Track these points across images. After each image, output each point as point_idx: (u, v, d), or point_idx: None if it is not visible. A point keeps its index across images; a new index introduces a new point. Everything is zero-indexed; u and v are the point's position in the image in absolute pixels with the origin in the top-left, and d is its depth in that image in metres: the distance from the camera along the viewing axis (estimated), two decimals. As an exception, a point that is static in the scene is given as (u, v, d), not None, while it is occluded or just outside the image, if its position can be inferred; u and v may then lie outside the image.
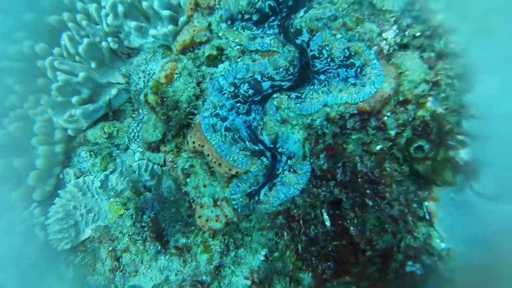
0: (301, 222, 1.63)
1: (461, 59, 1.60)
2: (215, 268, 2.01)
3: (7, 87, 3.38)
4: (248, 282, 1.97)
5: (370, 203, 1.51)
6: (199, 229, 1.95)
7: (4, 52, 3.46)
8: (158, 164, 2.92)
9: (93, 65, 2.95)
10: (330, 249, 1.60)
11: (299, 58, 1.62)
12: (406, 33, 1.57)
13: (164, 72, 1.73)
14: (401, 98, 1.55)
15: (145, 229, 2.46)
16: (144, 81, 2.88)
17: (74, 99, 2.86)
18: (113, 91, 3.01)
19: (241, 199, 1.67)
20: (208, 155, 1.62)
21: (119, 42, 2.99)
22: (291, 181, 1.59)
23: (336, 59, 1.53)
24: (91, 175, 3.12)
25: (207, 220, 1.75)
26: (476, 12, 1.61)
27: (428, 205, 1.68)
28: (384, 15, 1.55)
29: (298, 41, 1.67)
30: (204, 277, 2.13)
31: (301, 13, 1.65)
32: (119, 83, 3.08)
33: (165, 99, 1.70)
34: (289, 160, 1.60)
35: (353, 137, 1.60)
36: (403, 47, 1.59)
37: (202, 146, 1.63)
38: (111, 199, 2.61)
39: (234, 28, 1.74)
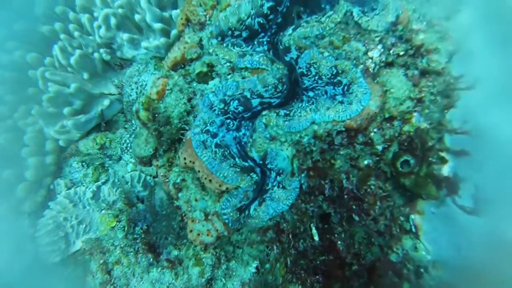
0: (290, 236, 1.65)
1: (442, 77, 1.66)
2: (206, 281, 2.02)
3: (-3, 97, 3.35)
4: (240, 295, 1.98)
5: (357, 218, 1.55)
6: (191, 242, 1.96)
7: (-5, 61, 3.43)
8: (150, 175, 2.92)
9: (85, 76, 2.96)
10: (318, 262, 1.62)
11: (288, 75, 1.66)
12: (391, 51, 1.63)
13: (156, 88, 1.75)
14: (387, 115, 1.60)
15: (137, 241, 2.45)
16: (136, 92, 2.89)
17: (66, 110, 2.86)
18: (106, 102, 3.01)
19: (231, 214, 1.69)
20: (199, 171, 1.64)
21: (111, 53, 3.00)
22: (280, 197, 1.62)
23: (323, 77, 1.57)
24: (83, 186, 3.10)
25: (198, 234, 1.76)
26: (455, 33, 1.68)
27: (414, 218, 1.72)
28: (369, 34, 1.60)
29: (287, 58, 1.71)
30: (196, 290, 2.14)
31: (290, 31, 1.69)
32: (111, 94, 3.08)
33: (156, 115, 1.72)
34: (278, 176, 1.63)
35: (341, 152, 1.64)
36: (388, 65, 1.64)
37: (193, 162, 1.65)
38: (103, 211, 2.60)
39: (224, 45, 1.77)
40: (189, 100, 1.77)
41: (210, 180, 1.62)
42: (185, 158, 1.68)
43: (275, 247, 1.72)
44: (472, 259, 1.62)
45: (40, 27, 3.44)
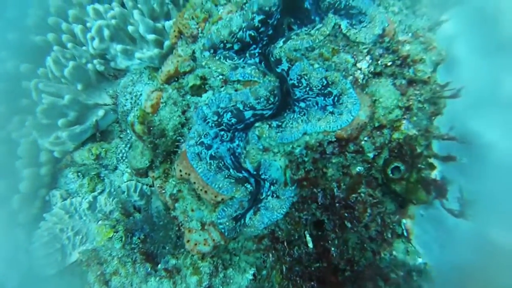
0: (285, 243, 1.69)
1: (429, 86, 1.71)
2: (204, 290, 2.04)
3: (-10, 108, 3.33)
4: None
5: (349, 225, 1.59)
6: (188, 252, 1.98)
7: (-13, 72, 3.42)
8: (147, 185, 2.93)
9: (79, 87, 2.97)
10: (313, 269, 1.66)
11: (280, 87, 1.70)
12: (379, 62, 1.68)
13: (150, 101, 1.78)
14: (376, 124, 1.65)
15: (135, 250, 2.46)
16: (131, 102, 2.91)
17: (60, 122, 2.86)
18: (100, 113, 3.02)
19: (227, 223, 1.72)
20: (195, 182, 1.67)
21: (105, 64, 3.02)
22: (274, 206, 1.65)
23: (314, 88, 1.61)
24: (79, 196, 3.10)
25: (195, 244, 1.79)
26: (439, 43, 1.75)
27: (405, 223, 1.77)
28: (357, 46, 1.65)
29: (278, 70, 1.76)
30: (194, 299, 2.15)
31: (280, 43, 1.73)
32: (106, 104, 3.09)
33: (151, 128, 1.75)
34: (272, 186, 1.66)
35: (333, 161, 1.68)
36: (377, 75, 1.69)
37: (189, 174, 1.68)
38: (100, 221, 2.60)
39: (217, 58, 1.81)
40: (183, 112, 1.80)
41: (205, 191, 1.65)
42: (180, 170, 1.70)
43: (270, 254, 1.75)
44: (461, 262, 1.67)
45: (33, 37, 3.44)
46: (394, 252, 1.73)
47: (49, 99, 2.86)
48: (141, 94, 2.91)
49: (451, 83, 1.81)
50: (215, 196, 1.64)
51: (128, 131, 3.08)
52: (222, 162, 1.69)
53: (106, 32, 2.76)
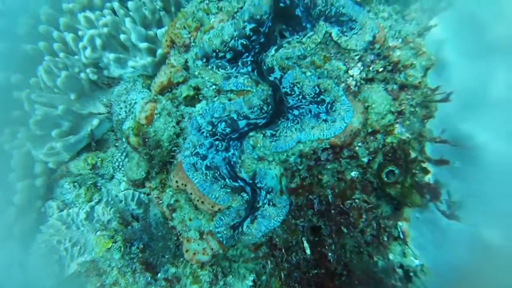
0: (283, 250, 1.70)
1: (420, 90, 1.74)
2: (205, 298, 2.05)
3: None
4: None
5: (345, 230, 1.61)
6: (188, 261, 1.98)
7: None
8: (144, 193, 2.93)
9: (72, 96, 2.95)
10: (311, 274, 1.68)
11: (273, 95, 1.71)
12: (370, 68, 1.70)
13: (144, 113, 1.78)
14: (370, 130, 1.67)
15: (134, 260, 2.46)
16: (125, 111, 2.90)
17: (54, 133, 2.84)
18: (95, 122, 3.01)
19: (225, 232, 1.73)
20: (191, 193, 1.67)
21: (98, 73, 3.00)
22: (271, 214, 1.66)
23: (307, 96, 1.63)
24: (76, 207, 3.09)
25: (194, 254, 1.79)
26: (428, 48, 1.77)
27: (401, 225, 1.80)
28: (349, 53, 1.67)
29: (271, 78, 1.76)
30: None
31: (272, 51, 1.74)
32: (100, 113, 3.08)
33: (146, 140, 1.75)
34: (268, 195, 1.68)
35: (328, 167, 1.69)
36: (369, 80, 1.71)
37: (185, 185, 1.69)
38: (98, 232, 2.59)
39: (209, 67, 1.81)
40: (178, 123, 1.80)
41: (202, 202, 1.66)
42: (177, 181, 1.71)
43: (269, 261, 1.76)
44: (456, 262, 1.70)
45: (24, 46, 3.41)
46: (391, 255, 1.76)
47: (43, 110, 2.84)
48: (135, 102, 2.91)
49: (441, 87, 1.84)
50: (212, 206, 1.65)
51: (123, 140, 3.07)
52: (218, 172, 1.69)
53: (98, 41, 2.74)
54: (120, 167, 3.01)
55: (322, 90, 1.60)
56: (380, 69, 1.70)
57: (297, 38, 1.72)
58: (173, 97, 1.85)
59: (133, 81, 3.01)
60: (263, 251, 1.76)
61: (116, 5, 2.82)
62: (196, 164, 1.67)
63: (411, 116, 1.75)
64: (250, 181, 1.69)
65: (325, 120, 1.59)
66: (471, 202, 1.73)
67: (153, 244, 2.24)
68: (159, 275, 2.30)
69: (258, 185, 1.68)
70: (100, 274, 2.49)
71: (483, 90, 1.93)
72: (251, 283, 2.07)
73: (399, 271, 1.73)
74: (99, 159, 3.00)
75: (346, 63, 1.67)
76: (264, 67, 1.77)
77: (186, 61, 1.98)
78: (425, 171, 1.68)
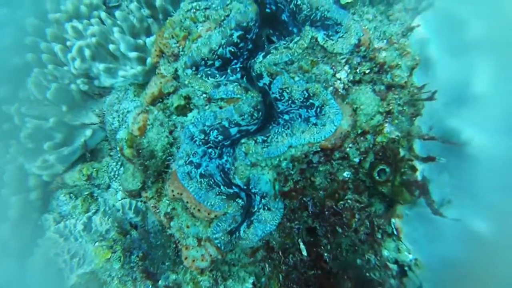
0: (280, 252, 1.74)
1: (406, 89, 1.78)
2: (206, 303, 2.08)
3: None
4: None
5: (340, 230, 1.65)
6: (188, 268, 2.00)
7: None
8: (141, 201, 2.93)
9: (64, 108, 2.94)
10: (308, 275, 1.71)
11: (263, 101, 1.74)
12: (357, 70, 1.73)
13: (137, 124, 1.79)
14: (359, 131, 1.71)
15: (135, 269, 2.47)
16: (118, 120, 2.90)
17: (47, 145, 2.83)
18: (88, 132, 3.00)
19: (222, 238, 1.75)
20: (187, 202, 1.70)
21: (89, 83, 2.99)
22: (266, 219, 1.69)
23: (296, 101, 1.66)
24: (73, 218, 3.08)
25: (193, 261, 1.82)
26: (412, 48, 1.82)
27: (395, 222, 1.85)
28: (335, 57, 1.70)
29: (260, 84, 1.79)
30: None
31: (260, 58, 1.77)
32: (93, 123, 3.07)
33: (140, 151, 1.76)
34: (262, 200, 1.71)
35: (320, 169, 1.73)
36: (357, 82, 1.75)
37: (181, 194, 1.71)
38: (96, 243, 2.60)
39: (199, 76, 1.83)
40: (171, 132, 1.82)
41: (199, 210, 1.68)
42: (172, 191, 1.73)
43: (267, 264, 1.80)
44: (448, 254, 1.76)
45: (11, 58, 3.37)
46: (385, 251, 1.81)
47: (34, 123, 2.82)
48: (128, 111, 2.91)
49: (427, 85, 1.89)
50: (208, 214, 1.68)
51: (118, 149, 3.07)
52: (212, 180, 1.72)
53: (87, 52, 2.73)
54: (115, 176, 3.01)
55: (311, 94, 1.63)
56: (367, 71, 1.73)
57: (284, 44, 1.74)
58: (165, 107, 1.86)
59: (124, 90, 3.00)
60: (261, 254, 1.80)
61: (103, 14, 2.81)
62: (190, 172, 1.69)
63: (399, 115, 1.79)
64: (245, 187, 1.72)
65: (315, 124, 1.63)
66: (460, 196, 1.78)
67: (153, 252, 2.26)
68: (159, 282, 2.32)
69: (253, 190, 1.71)
70: (100, 285, 2.50)
71: (466, 86, 1.98)
72: (250, 286, 2.10)
73: (394, 266, 1.78)
74: (94, 169, 2.99)
75: (333, 67, 1.70)
76: (253, 73, 1.80)
77: (176, 70, 1.99)
78: (413, 169, 1.73)
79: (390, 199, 1.84)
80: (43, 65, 3.14)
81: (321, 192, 1.66)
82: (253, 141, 1.62)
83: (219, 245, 1.76)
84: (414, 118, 1.86)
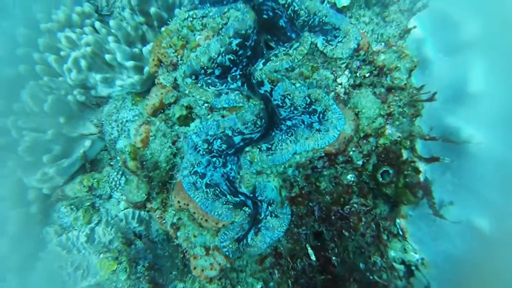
0: (288, 258, 1.75)
1: (406, 91, 1.80)
2: (215, 311, 2.08)
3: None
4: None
5: (346, 234, 1.67)
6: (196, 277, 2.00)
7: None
8: (145, 210, 2.92)
9: (62, 120, 2.90)
10: (317, 279, 1.73)
11: (265, 108, 1.74)
12: (357, 74, 1.75)
13: (139, 136, 1.78)
14: (362, 134, 1.72)
15: (141, 279, 2.46)
16: (117, 130, 2.88)
17: (45, 158, 2.80)
18: (87, 143, 2.97)
19: (230, 246, 1.76)
20: (194, 212, 1.69)
21: (86, 93, 2.96)
22: (274, 226, 1.70)
23: (299, 107, 1.66)
24: (75, 230, 3.05)
25: (202, 270, 1.82)
26: (410, 51, 1.84)
27: (400, 222, 1.87)
28: (335, 62, 1.71)
29: (262, 91, 1.79)
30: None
31: (260, 65, 1.77)
32: (92, 134, 3.05)
33: (144, 162, 1.75)
34: (269, 207, 1.71)
35: (325, 173, 1.74)
36: (357, 86, 1.76)
37: (187, 205, 1.70)
38: (101, 255, 2.58)
39: (199, 85, 1.82)
40: (174, 143, 1.82)
41: (206, 220, 1.68)
42: (179, 201, 1.72)
43: (276, 270, 1.81)
44: (451, 251, 1.79)
45: (3, 71, 3.31)
46: (392, 252, 1.83)
47: (32, 136, 2.79)
48: (127, 121, 2.89)
49: (426, 85, 1.91)
50: (216, 223, 1.68)
51: (118, 158, 3.05)
52: (218, 189, 1.72)
53: (83, 63, 2.71)
54: (117, 186, 2.99)
55: (313, 100, 1.63)
56: (367, 74, 1.75)
57: (283, 50, 1.75)
58: (167, 118, 1.86)
59: (122, 99, 2.98)
60: (269, 261, 1.80)
61: (97, 24, 2.78)
62: (196, 183, 1.69)
63: (400, 117, 1.81)
64: (251, 195, 1.72)
65: (319, 130, 1.64)
66: (461, 193, 1.81)
67: (159, 262, 2.25)
68: (167, 292, 2.32)
69: (259, 198, 1.71)
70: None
71: (463, 84, 2.01)
72: (259, 291, 2.11)
73: (401, 267, 1.80)
74: (95, 180, 2.97)
75: (334, 72, 1.71)
76: (254, 80, 1.80)
77: (175, 80, 1.98)
78: (417, 171, 1.75)
79: (394, 200, 1.86)
80: (36, 76, 3.10)
81: (327, 196, 1.67)
82: (258, 149, 1.63)
83: (227, 253, 1.76)
84: (414, 119, 1.88)
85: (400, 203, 1.84)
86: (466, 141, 1.83)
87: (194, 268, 1.83)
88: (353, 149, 1.73)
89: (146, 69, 2.62)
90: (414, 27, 1.93)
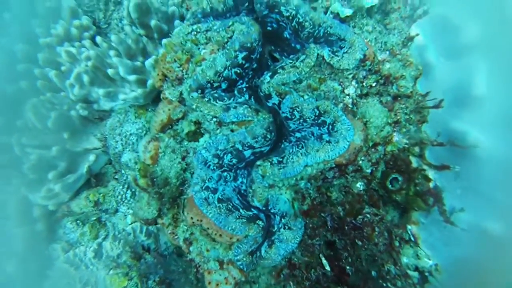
0: (302, 269, 1.75)
1: (412, 98, 1.82)
2: (230, 323, 2.07)
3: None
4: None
5: (360, 243, 1.68)
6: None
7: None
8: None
9: (65, 135, 2.89)
10: (333, 289, 1.74)
11: (273, 121, 1.75)
12: (364, 84, 1.76)
13: (149, 153, 1.78)
14: (370, 144, 1.74)
15: (152, 294, 2.45)
16: (122, 144, 2.87)
17: (51, 175, 2.78)
18: (91, 158, 2.96)
19: (244, 259, 1.76)
20: (208, 228, 1.69)
21: (88, 108, 2.95)
22: (288, 238, 1.71)
23: (308, 119, 1.67)
24: (82, 245, 3.03)
25: (217, 285, 1.82)
26: (415, 57, 1.86)
27: (411, 229, 1.88)
28: (342, 73, 1.73)
29: (269, 104, 1.80)
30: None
31: (267, 78, 1.78)
32: (95, 148, 3.03)
33: (154, 179, 1.75)
34: (282, 219, 1.72)
35: (335, 183, 1.75)
36: (364, 96, 1.78)
37: (201, 221, 1.71)
38: (111, 271, 2.56)
39: (206, 99, 1.82)
40: (183, 158, 1.82)
41: (220, 235, 1.68)
42: (192, 218, 1.72)
43: (291, 282, 1.81)
44: (465, 257, 1.81)
45: (4, 88, 3.30)
46: (404, 258, 1.84)
47: (37, 154, 2.77)
48: (130, 134, 2.88)
49: (430, 90, 1.93)
50: (230, 238, 1.68)
51: (122, 171, 3.04)
52: (231, 204, 1.72)
53: (85, 78, 2.70)
54: (123, 200, 2.98)
55: (322, 112, 1.65)
56: (373, 84, 1.77)
57: (290, 63, 1.76)
58: (175, 133, 1.86)
59: (124, 112, 2.97)
60: (285, 273, 1.81)
61: (99, 39, 2.78)
62: (208, 198, 1.69)
63: (406, 123, 1.83)
64: (264, 208, 1.73)
65: (329, 142, 1.65)
66: (471, 197, 1.83)
67: (170, 276, 2.25)
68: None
69: (272, 211, 1.72)
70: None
71: (467, 88, 2.03)
72: (273, 302, 2.11)
73: (415, 273, 1.81)
74: (101, 194, 2.96)
75: (341, 83, 1.72)
76: (261, 93, 1.81)
77: (181, 93, 1.98)
78: (427, 179, 1.77)
79: (404, 206, 1.87)
80: (37, 92, 3.08)
81: (339, 207, 1.68)
82: (269, 163, 1.63)
83: (241, 266, 1.76)
84: (420, 125, 1.90)
85: (411, 209, 1.85)
86: (473, 145, 1.85)
87: (209, 282, 1.82)
88: (362, 158, 1.75)
89: (149, 82, 2.61)
90: (417, 34, 1.96)
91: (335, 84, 1.71)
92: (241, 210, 1.71)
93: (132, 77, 2.60)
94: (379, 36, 1.90)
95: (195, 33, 2.00)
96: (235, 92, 1.88)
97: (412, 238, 1.88)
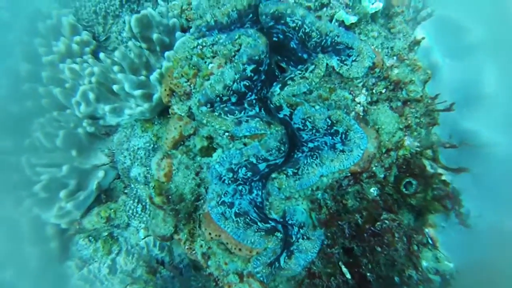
0: (322, 277, 1.75)
1: (422, 102, 1.83)
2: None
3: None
4: None
5: (379, 249, 1.68)
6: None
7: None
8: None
9: (74, 153, 2.90)
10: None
11: (286, 132, 1.76)
12: (374, 91, 1.77)
13: (162, 171, 1.79)
14: (383, 150, 1.74)
15: (170, 308, 2.45)
16: (130, 158, 2.88)
17: (63, 194, 2.78)
18: (100, 174, 2.97)
19: (264, 271, 1.76)
20: (227, 242, 1.70)
21: (94, 124, 2.96)
22: (307, 248, 1.71)
23: (320, 129, 1.68)
24: (95, 262, 3.04)
25: (237, 298, 1.82)
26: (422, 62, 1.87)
27: (428, 232, 1.88)
28: (352, 81, 1.73)
29: (281, 115, 1.80)
30: None
31: (277, 89, 1.78)
32: (104, 164, 3.04)
33: (170, 196, 1.76)
34: (300, 230, 1.72)
35: (349, 190, 1.76)
36: (374, 102, 1.78)
37: (219, 236, 1.71)
38: (128, 287, 2.57)
39: (216, 113, 1.82)
40: (197, 174, 1.82)
41: (240, 249, 1.68)
42: (210, 233, 1.73)
43: (311, 292, 1.81)
44: (485, 257, 1.80)
45: (10, 108, 3.31)
46: (424, 262, 1.84)
47: (48, 175, 2.77)
48: (138, 148, 2.89)
49: (438, 91, 1.94)
50: (250, 252, 1.68)
51: (132, 186, 3.05)
52: (248, 217, 1.72)
53: (91, 95, 2.71)
54: (134, 214, 2.99)
55: (334, 122, 1.65)
56: (383, 90, 1.77)
57: (299, 74, 1.76)
58: (187, 150, 1.86)
59: (131, 126, 2.98)
60: (305, 283, 1.81)
61: (102, 55, 2.78)
62: (225, 213, 1.69)
63: (417, 127, 1.83)
64: (281, 220, 1.73)
65: (342, 151, 1.65)
66: (487, 197, 1.83)
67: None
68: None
69: (289, 222, 1.72)
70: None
71: (475, 87, 2.04)
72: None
73: (436, 277, 1.81)
74: (112, 210, 2.96)
75: (352, 92, 1.73)
76: (272, 105, 1.81)
77: (190, 108, 1.99)
78: (445, 183, 1.77)
79: (420, 210, 1.87)
80: (43, 110, 3.10)
81: (356, 215, 1.68)
82: (285, 175, 1.64)
83: (261, 278, 1.77)
84: (431, 128, 1.90)
85: (427, 213, 1.85)
86: (486, 144, 1.85)
87: (229, 296, 1.83)
88: (375, 164, 1.75)
89: (155, 96, 2.62)
90: (423, 38, 1.96)
91: (345, 93, 1.72)
92: (259, 223, 1.72)
93: (137, 92, 2.61)
94: (385, 41, 1.90)
95: (201, 47, 2.00)
96: (245, 105, 1.88)
97: (430, 241, 1.88)
